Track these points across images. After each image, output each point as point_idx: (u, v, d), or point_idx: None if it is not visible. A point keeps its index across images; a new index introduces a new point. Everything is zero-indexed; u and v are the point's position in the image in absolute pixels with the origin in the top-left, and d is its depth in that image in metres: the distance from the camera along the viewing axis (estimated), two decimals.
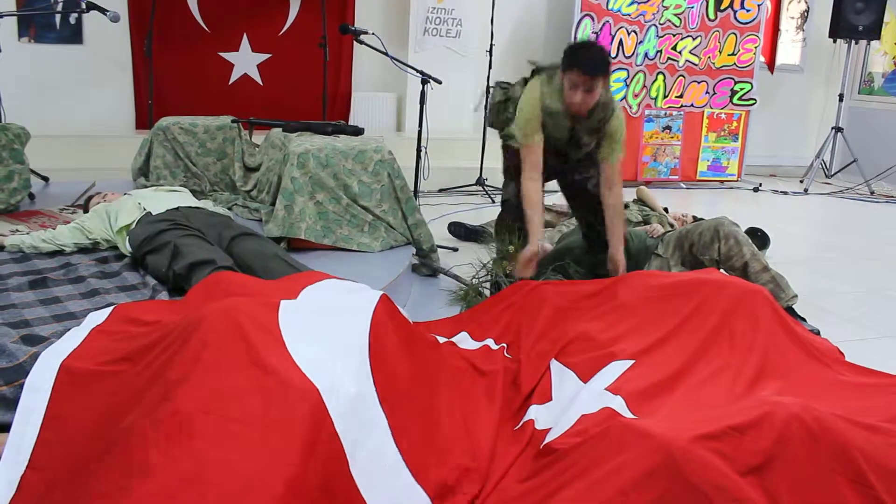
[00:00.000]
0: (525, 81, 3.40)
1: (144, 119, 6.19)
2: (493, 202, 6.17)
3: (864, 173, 7.55)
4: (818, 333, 3.22)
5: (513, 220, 3.45)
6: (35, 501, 1.65)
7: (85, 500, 1.55)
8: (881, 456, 1.82)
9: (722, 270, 3.38)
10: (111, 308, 2.23)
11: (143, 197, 3.25)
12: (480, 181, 6.47)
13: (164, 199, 3.23)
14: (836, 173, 8.08)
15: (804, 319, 3.34)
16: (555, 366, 2.51)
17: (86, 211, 3.49)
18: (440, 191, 6.43)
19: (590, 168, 3.43)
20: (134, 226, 3.03)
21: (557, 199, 5.75)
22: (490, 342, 2.66)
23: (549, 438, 2.11)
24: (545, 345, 2.59)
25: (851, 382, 2.50)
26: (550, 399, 2.40)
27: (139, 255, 2.91)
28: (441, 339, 2.64)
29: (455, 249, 4.58)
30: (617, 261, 3.27)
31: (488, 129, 6.52)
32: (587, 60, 3.05)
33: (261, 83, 6.68)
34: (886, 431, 1.96)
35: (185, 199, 3.34)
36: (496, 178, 6.54)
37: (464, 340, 2.70)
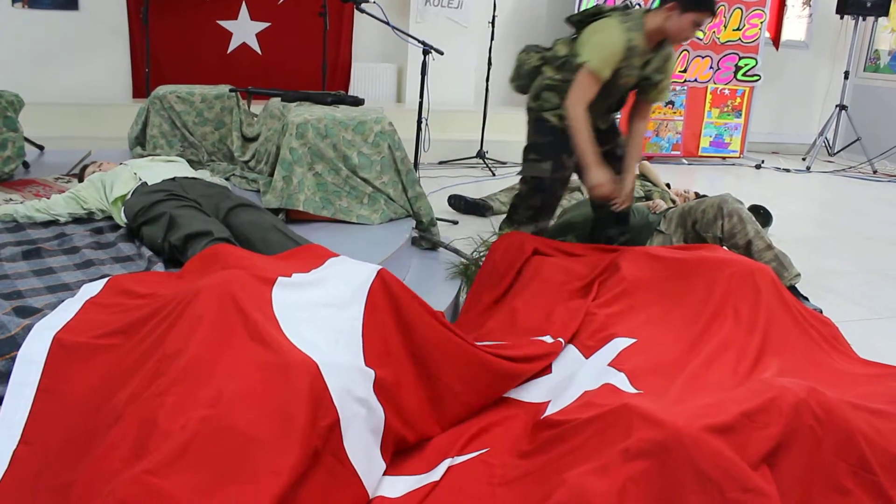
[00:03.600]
0: (560, 42, 3.30)
1: (141, 87, 6.11)
2: (494, 175, 6.12)
3: (868, 152, 7.49)
4: (820, 313, 3.20)
5: (543, 200, 3.38)
6: (28, 476, 1.62)
7: (83, 475, 1.52)
8: (885, 441, 1.80)
9: (725, 248, 3.35)
10: (105, 280, 2.19)
11: (138, 167, 3.20)
12: (481, 154, 6.41)
13: (161, 169, 3.18)
14: (839, 151, 8.03)
15: (807, 299, 3.31)
16: None
17: (81, 180, 3.44)
18: (440, 163, 6.37)
19: (614, 139, 3.40)
20: (129, 196, 2.98)
21: None
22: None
23: (549, 412, 2.10)
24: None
25: (852, 370, 2.48)
26: (549, 372, 2.38)
27: (135, 226, 2.87)
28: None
29: (455, 222, 4.54)
30: (626, 183, 3.28)
31: (497, 99, 6.46)
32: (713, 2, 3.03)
33: (259, 52, 6.59)
34: (891, 416, 1.94)
35: (181, 169, 3.29)
36: (497, 150, 6.51)
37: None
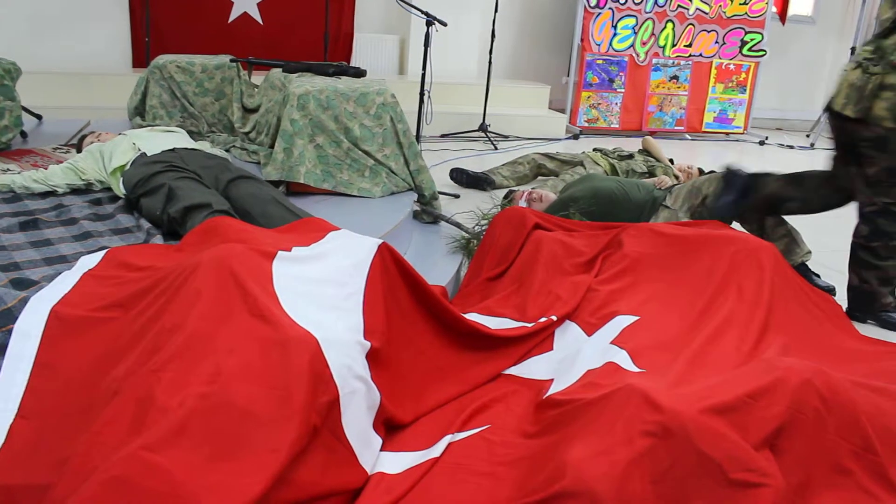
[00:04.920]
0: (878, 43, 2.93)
1: (141, 56, 6.05)
2: (496, 149, 6.07)
3: None
4: (833, 290, 3.19)
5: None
6: (25, 450, 1.60)
7: (80, 451, 1.51)
8: (887, 420, 1.80)
9: (735, 224, 3.32)
10: (104, 252, 2.16)
11: (138, 137, 3.16)
12: (483, 127, 6.36)
13: (160, 139, 3.15)
14: None
15: (818, 275, 3.30)
16: None
17: (79, 150, 3.40)
18: (442, 136, 6.32)
19: None
20: (128, 167, 2.95)
21: (562, 148, 5.68)
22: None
23: (552, 391, 2.08)
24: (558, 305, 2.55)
25: (854, 347, 2.47)
26: (551, 349, 2.37)
27: (133, 198, 2.84)
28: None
29: (457, 196, 4.51)
30: None
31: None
32: None
33: (261, 22, 6.52)
34: (892, 393, 1.93)
35: (181, 139, 3.25)
36: (499, 124, 6.46)
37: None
